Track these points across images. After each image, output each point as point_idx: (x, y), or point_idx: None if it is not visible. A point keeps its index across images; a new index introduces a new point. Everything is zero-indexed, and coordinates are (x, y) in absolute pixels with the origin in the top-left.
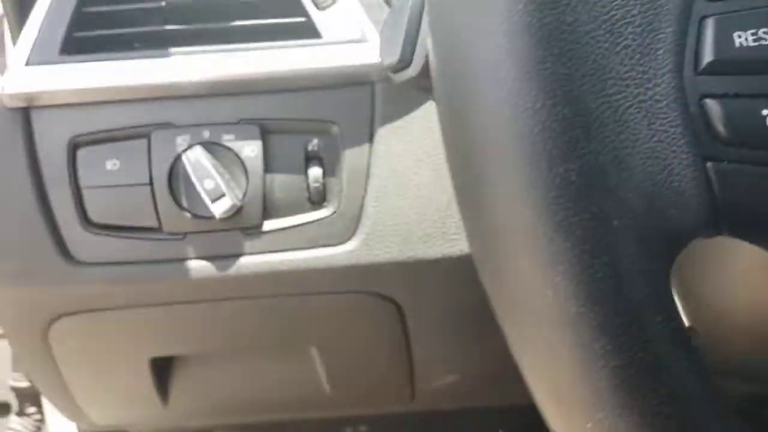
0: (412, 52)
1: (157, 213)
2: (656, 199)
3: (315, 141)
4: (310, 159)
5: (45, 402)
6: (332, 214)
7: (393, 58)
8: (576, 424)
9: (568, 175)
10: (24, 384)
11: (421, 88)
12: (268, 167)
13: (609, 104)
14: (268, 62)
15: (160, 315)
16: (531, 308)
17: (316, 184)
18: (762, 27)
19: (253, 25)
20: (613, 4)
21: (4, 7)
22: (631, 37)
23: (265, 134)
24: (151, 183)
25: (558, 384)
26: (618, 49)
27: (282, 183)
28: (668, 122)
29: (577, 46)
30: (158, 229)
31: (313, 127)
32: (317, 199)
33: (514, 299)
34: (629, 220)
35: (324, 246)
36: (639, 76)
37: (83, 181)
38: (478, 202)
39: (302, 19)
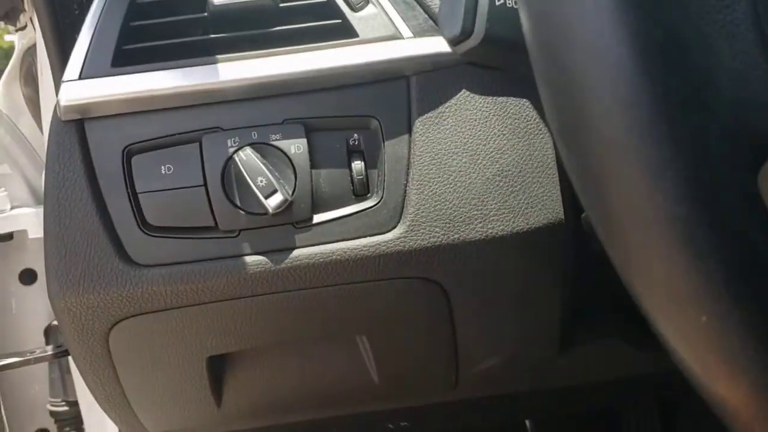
0: (473, 24)
1: (212, 212)
2: (743, 112)
3: (356, 135)
4: (352, 153)
5: (86, 425)
6: (377, 203)
7: (455, 30)
8: (690, 319)
9: (668, 91)
10: (62, 408)
11: (483, 57)
12: (313, 163)
13: (694, 29)
14: (309, 63)
15: (218, 312)
16: (642, 216)
17: (360, 177)
18: None
19: (292, 29)
20: None
21: (43, 33)
22: None
23: (309, 132)
24: (205, 184)
25: (671, 284)
26: None
27: (328, 177)
28: (747, 43)
29: None
30: (214, 228)
31: (354, 123)
32: (362, 191)
33: (625, 211)
34: (722, 130)
35: (371, 235)
36: (719, 3)
37: (139, 187)
38: (585, 132)
39: (338, 21)
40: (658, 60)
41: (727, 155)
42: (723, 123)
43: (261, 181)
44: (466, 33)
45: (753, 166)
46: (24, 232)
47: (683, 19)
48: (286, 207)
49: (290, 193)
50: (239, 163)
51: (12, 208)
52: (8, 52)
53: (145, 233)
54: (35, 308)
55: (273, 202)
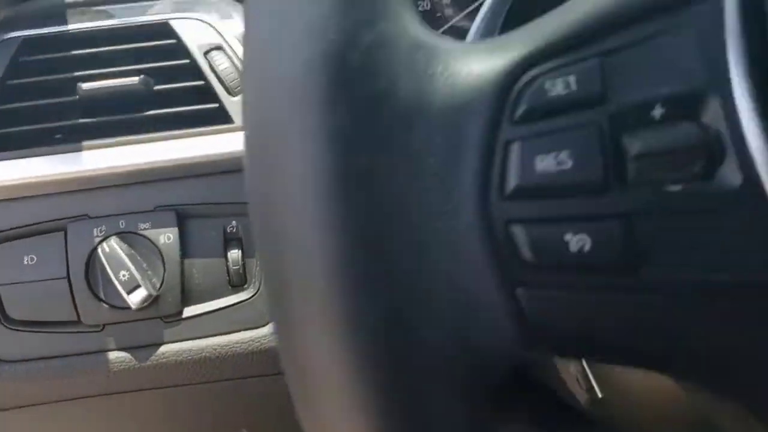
0: None
1: (75, 306)
2: (465, 334)
3: (234, 223)
4: (229, 241)
5: None
6: (253, 295)
7: None
8: None
9: (363, 313)
10: None
11: None
12: (186, 253)
13: (408, 239)
14: (183, 149)
15: (85, 409)
16: None
17: (236, 267)
18: (563, 149)
19: (167, 113)
20: (413, 137)
21: None
22: (434, 168)
23: (182, 219)
24: (68, 276)
25: None
26: (418, 182)
27: (201, 268)
28: (473, 251)
29: (374, 187)
30: (77, 322)
31: (231, 210)
32: (238, 282)
33: None
34: (434, 361)
35: (246, 329)
36: (441, 204)
37: (0, 279)
38: (287, 326)
39: (214, 105)
40: (354, 276)
41: (442, 392)
42: (434, 351)
43: (123, 276)
44: None
45: (480, 399)
46: None
47: (392, 230)
48: (153, 301)
49: (157, 286)
50: (102, 256)
51: None
52: None
53: (7, 327)
54: None
55: (135, 299)
